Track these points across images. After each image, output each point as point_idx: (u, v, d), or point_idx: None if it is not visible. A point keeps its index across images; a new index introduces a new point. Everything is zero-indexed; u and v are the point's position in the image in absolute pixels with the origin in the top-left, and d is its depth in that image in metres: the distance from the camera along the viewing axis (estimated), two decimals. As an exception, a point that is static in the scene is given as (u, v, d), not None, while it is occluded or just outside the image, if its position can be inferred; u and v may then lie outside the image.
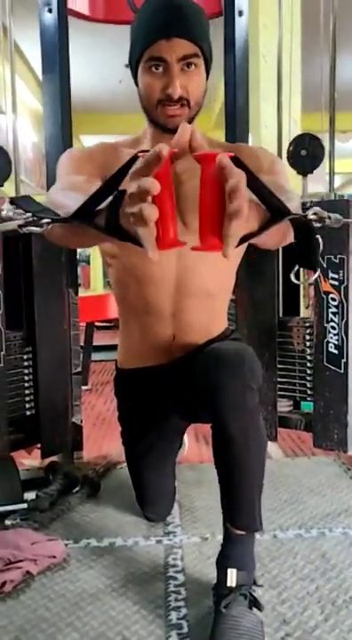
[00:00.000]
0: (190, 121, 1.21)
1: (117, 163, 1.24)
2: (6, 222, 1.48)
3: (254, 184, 0.76)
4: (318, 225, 1.18)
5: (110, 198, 0.77)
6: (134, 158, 0.73)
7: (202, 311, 1.31)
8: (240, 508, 1.13)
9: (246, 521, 1.13)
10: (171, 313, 1.29)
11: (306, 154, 1.93)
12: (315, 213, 1.17)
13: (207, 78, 1.22)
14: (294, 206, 1.06)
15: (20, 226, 1.17)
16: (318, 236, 1.10)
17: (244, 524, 1.13)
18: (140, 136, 1.32)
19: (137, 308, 1.33)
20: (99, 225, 0.79)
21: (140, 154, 0.71)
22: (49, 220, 1.01)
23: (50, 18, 1.89)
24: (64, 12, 1.92)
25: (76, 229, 0.93)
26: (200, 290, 1.28)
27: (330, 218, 1.26)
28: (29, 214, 1.06)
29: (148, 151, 0.70)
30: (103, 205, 0.79)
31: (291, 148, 1.97)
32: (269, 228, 0.83)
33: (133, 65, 1.20)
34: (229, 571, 1.09)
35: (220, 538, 1.40)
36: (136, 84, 1.23)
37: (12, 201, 1.44)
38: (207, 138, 1.35)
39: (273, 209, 0.82)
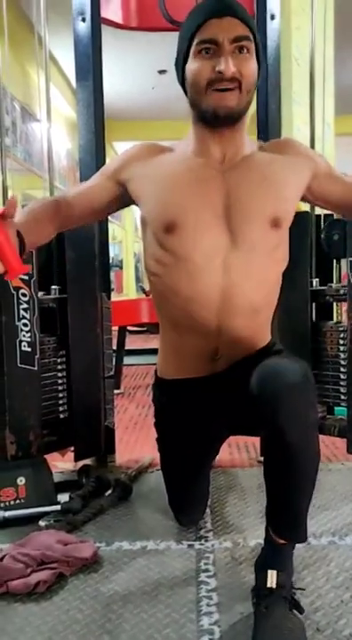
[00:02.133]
0: (240, 115, 1.18)
1: (153, 163, 1.27)
2: None
3: None
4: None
5: None
6: None
7: (247, 326, 1.26)
8: (288, 520, 1.12)
9: (292, 532, 1.12)
10: (215, 329, 1.24)
11: (338, 238, 1.89)
12: None
13: (259, 71, 1.18)
14: None
15: None
16: None
17: (289, 535, 1.12)
18: (186, 139, 1.30)
19: (180, 323, 1.28)
20: None
21: None
22: None
23: (83, 27, 1.92)
24: (97, 22, 1.94)
25: None
26: (245, 306, 1.24)
27: None
28: None
29: None
30: None
31: (322, 234, 1.94)
32: None
33: (181, 58, 1.18)
34: (270, 572, 1.09)
35: (252, 543, 1.40)
36: (182, 83, 1.20)
37: None
38: (255, 142, 1.35)
39: None
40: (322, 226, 1.93)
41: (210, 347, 1.27)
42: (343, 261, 1.87)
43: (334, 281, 1.96)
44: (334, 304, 2.00)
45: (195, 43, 1.13)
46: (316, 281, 1.93)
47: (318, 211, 1.91)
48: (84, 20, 1.92)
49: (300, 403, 1.01)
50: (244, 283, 1.22)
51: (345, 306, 1.86)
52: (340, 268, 1.98)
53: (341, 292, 1.87)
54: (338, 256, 1.94)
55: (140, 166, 1.29)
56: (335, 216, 1.85)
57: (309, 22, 2.17)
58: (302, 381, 1.03)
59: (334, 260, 1.97)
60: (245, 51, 1.12)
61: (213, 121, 1.17)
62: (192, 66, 1.14)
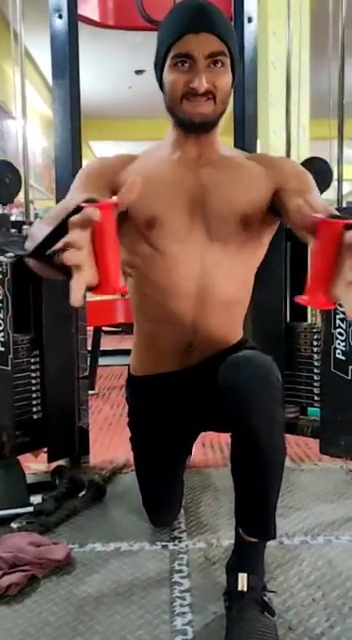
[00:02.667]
0: (216, 120, 1.21)
1: (128, 172, 1.26)
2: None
3: None
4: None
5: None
6: (79, 208, 0.75)
7: (222, 320, 1.30)
8: (257, 517, 1.13)
9: (262, 530, 1.13)
10: (191, 322, 1.27)
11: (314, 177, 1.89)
12: None
13: (233, 81, 1.20)
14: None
15: None
16: None
17: (259, 533, 1.13)
18: (163, 141, 1.31)
19: (156, 317, 1.30)
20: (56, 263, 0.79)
21: (83, 204, 0.75)
22: (13, 255, 1.03)
23: (60, 24, 1.90)
24: (74, 18, 1.93)
25: (41, 266, 0.93)
26: (222, 299, 1.27)
27: None
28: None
29: (92, 200, 0.74)
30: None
31: None
32: None
33: (159, 66, 1.20)
34: (240, 575, 1.09)
35: (225, 543, 1.41)
36: (161, 87, 1.22)
37: None
38: (230, 148, 1.35)
39: None
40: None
41: (184, 340, 1.29)
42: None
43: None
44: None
45: (171, 55, 1.15)
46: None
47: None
48: (60, 16, 1.90)
49: (264, 398, 1.03)
50: (218, 277, 1.25)
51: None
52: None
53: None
54: None
55: (123, 173, 1.28)
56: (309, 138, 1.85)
57: (286, 27, 2.20)
58: (267, 376, 1.05)
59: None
60: (220, 65, 1.15)
61: (190, 127, 1.21)
62: (168, 77, 1.17)
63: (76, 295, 0.70)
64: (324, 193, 2.30)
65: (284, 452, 1.11)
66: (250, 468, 1.09)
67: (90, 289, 0.74)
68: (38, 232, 0.96)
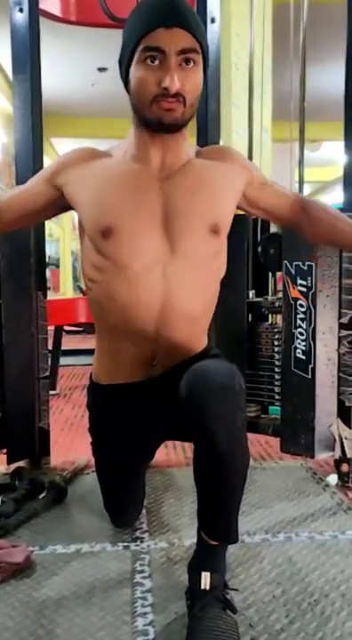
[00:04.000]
0: (183, 125, 1.17)
1: (87, 168, 1.25)
2: None
3: None
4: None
5: None
6: None
7: (185, 332, 1.26)
8: (219, 522, 1.12)
9: (224, 534, 1.13)
10: (153, 336, 1.23)
11: (273, 252, 1.92)
12: None
13: (204, 80, 1.16)
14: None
15: None
16: None
17: (220, 537, 1.13)
18: (125, 142, 1.26)
19: (117, 330, 1.26)
20: None
21: None
22: None
23: (21, 17, 1.87)
24: (35, 13, 1.90)
25: None
26: (184, 314, 1.23)
27: None
28: None
29: None
30: None
31: (259, 249, 1.98)
32: None
33: (125, 60, 1.14)
34: (203, 574, 1.09)
35: (187, 543, 1.41)
36: (125, 84, 1.16)
37: None
38: (195, 148, 1.34)
39: None
40: (258, 238, 1.98)
41: (146, 353, 1.26)
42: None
43: (270, 293, 2.02)
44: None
45: (140, 48, 1.09)
46: (252, 293, 1.98)
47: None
48: (21, 10, 1.87)
49: (225, 405, 1.01)
50: (182, 291, 1.22)
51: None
52: (276, 281, 2.03)
53: (277, 304, 1.92)
54: (273, 269, 1.99)
55: (78, 170, 1.26)
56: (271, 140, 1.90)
57: (249, 29, 2.22)
58: (228, 383, 1.03)
59: (270, 274, 2.02)
60: (192, 63, 1.11)
61: (157, 128, 1.16)
62: (137, 73, 1.11)
63: None
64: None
65: (247, 458, 1.11)
66: (211, 475, 1.08)
67: None
68: None
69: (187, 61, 1.10)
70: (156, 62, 1.09)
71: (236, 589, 1.19)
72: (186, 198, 1.22)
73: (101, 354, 1.36)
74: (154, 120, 1.14)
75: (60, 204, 1.32)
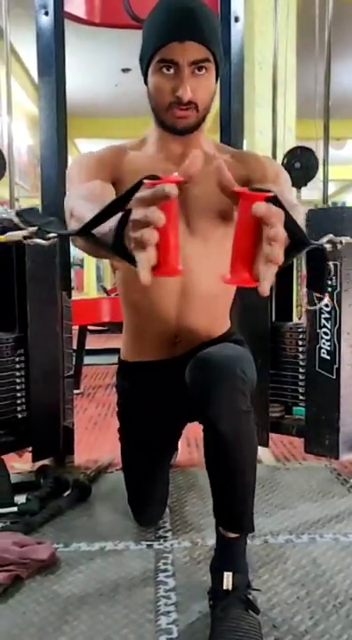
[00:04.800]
0: (199, 124, 1.23)
1: (126, 165, 1.27)
2: (11, 233, 1.45)
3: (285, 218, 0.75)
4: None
5: (118, 217, 0.75)
6: (139, 183, 0.71)
7: (205, 313, 1.32)
8: (231, 510, 1.13)
9: (238, 522, 1.13)
10: (175, 315, 1.30)
11: (300, 166, 1.94)
12: (329, 241, 1.21)
13: (217, 81, 1.22)
14: (301, 220, 1.11)
15: (24, 237, 1.18)
16: (329, 263, 1.11)
17: (235, 526, 1.13)
18: (145, 137, 1.32)
19: (141, 309, 1.33)
20: (105, 242, 0.78)
21: (145, 180, 0.71)
22: (55, 235, 1.03)
23: (46, 20, 1.89)
24: (60, 15, 1.92)
25: (90, 244, 0.90)
26: (204, 292, 1.29)
27: (342, 243, 1.30)
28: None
29: (153, 177, 0.70)
30: (111, 224, 0.77)
31: (284, 162, 1.98)
32: (292, 259, 0.84)
33: (144, 63, 1.20)
34: (225, 574, 1.10)
35: (210, 543, 1.41)
36: (145, 82, 1.23)
37: (19, 213, 1.42)
38: (216, 144, 1.36)
39: (295, 239, 0.81)
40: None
41: (169, 331, 1.32)
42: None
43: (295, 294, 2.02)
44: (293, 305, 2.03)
45: (156, 59, 1.16)
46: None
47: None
48: (46, 13, 1.89)
49: (225, 388, 1.04)
50: (200, 269, 1.27)
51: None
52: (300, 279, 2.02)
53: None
54: (299, 185, 1.99)
55: (123, 166, 1.29)
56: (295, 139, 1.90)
57: (273, 28, 2.20)
58: (229, 367, 1.05)
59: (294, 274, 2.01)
60: (204, 70, 1.16)
61: (173, 132, 1.24)
62: (153, 79, 1.18)
63: (146, 275, 0.68)
64: (310, 194, 2.32)
65: (254, 440, 1.12)
66: (219, 461, 1.10)
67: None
68: (84, 211, 0.92)
69: (199, 68, 1.16)
70: (171, 71, 1.16)
71: (258, 590, 1.19)
72: (202, 184, 1.24)
73: (128, 332, 1.42)
74: (169, 125, 1.22)
75: None
